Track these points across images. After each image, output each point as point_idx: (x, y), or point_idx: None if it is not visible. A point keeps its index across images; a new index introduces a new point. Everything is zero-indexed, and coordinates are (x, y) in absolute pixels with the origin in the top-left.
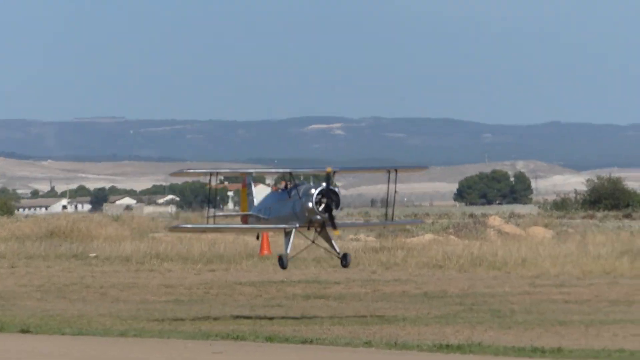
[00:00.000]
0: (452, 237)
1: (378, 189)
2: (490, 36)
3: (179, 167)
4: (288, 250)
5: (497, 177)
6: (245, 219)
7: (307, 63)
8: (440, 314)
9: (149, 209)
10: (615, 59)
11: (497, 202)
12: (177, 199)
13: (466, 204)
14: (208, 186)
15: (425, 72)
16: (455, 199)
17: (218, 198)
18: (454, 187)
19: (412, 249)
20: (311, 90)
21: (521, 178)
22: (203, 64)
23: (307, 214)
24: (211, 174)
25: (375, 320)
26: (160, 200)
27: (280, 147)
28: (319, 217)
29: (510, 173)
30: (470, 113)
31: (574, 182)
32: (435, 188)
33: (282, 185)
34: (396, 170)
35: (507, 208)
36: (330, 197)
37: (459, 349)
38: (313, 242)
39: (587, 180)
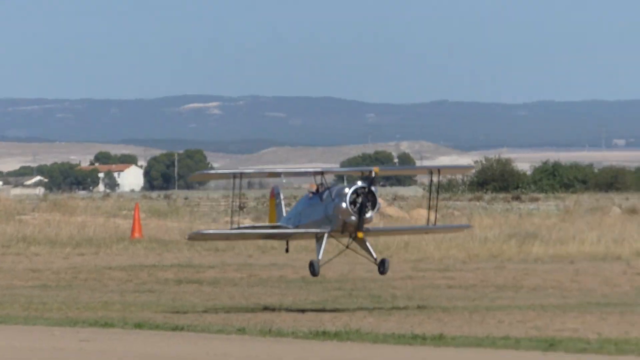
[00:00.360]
0: None
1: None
2: (373, 12)
3: (48, 147)
4: (320, 256)
5: (380, 159)
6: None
7: (183, 40)
8: (318, 300)
9: (15, 191)
10: (504, 36)
11: (381, 184)
12: (46, 180)
13: None
14: (233, 194)
15: (305, 50)
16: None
17: (89, 179)
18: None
19: None
20: (187, 68)
21: (406, 159)
22: (74, 41)
23: (340, 216)
24: (235, 176)
25: (252, 306)
26: (28, 182)
27: (154, 127)
28: (353, 218)
29: (395, 154)
30: (353, 92)
31: (461, 163)
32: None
33: (314, 188)
34: (439, 171)
35: (390, 190)
36: (367, 197)
37: (336, 336)
38: (347, 247)
39: (475, 162)
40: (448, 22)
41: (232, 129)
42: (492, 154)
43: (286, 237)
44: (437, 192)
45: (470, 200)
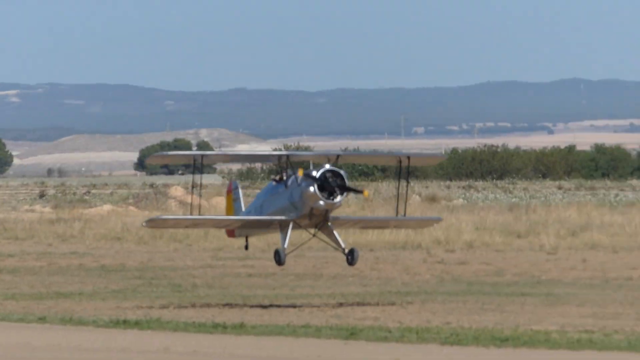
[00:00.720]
0: (131, 208)
1: (55, 158)
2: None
3: None
4: (285, 245)
5: (179, 146)
6: (231, 231)
7: None
8: (119, 289)
9: None
10: (300, 23)
11: (180, 172)
12: None
13: (147, 174)
14: (193, 177)
15: (103, 37)
16: (135, 169)
17: None
18: (134, 156)
19: (89, 221)
20: None
21: (205, 147)
22: None
23: (308, 202)
24: (195, 159)
25: (50, 294)
26: None
27: None
28: (322, 204)
29: (194, 142)
30: (151, 79)
31: (260, 151)
32: (114, 157)
33: (277, 177)
34: (409, 158)
35: (189, 178)
36: (336, 180)
37: (137, 324)
38: (314, 235)
39: (274, 149)
40: (245, 10)
41: (31, 117)
42: (291, 142)
43: (246, 227)
44: (407, 182)
45: None
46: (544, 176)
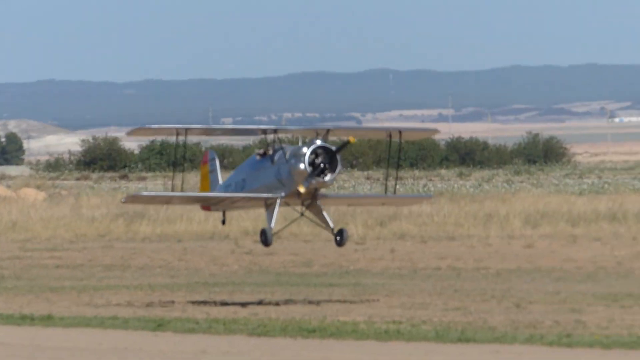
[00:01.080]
0: None
1: None
2: None
3: None
4: (272, 224)
5: None
6: (206, 205)
7: None
8: None
9: None
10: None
11: None
12: None
13: None
14: (176, 151)
15: None
16: None
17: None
18: None
19: None
20: None
21: (13, 138)
22: None
23: (297, 179)
24: (178, 132)
25: None
26: None
27: None
28: (313, 182)
29: (2, 133)
30: None
31: (69, 142)
32: None
33: (261, 151)
34: (400, 133)
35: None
36: (327, 157)
37: None
38: (302, 214)
39: (82, 140)
40: (53, 1)
41: None
42: (100, 133)
43: (229, 204)
44: (398, 158)
45: (77, 179)
46: (352, 166)
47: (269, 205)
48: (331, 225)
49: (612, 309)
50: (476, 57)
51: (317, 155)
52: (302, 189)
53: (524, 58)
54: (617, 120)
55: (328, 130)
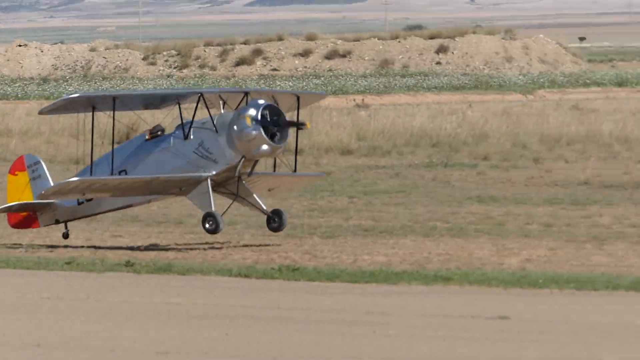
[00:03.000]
0: None
1: None
2: None
3: None
4: (213, 207)
5: None
6: (27, 219)
7: None
8: None
9: None
10: None
11: None
12: None
13: None
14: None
15: None
16: None
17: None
18: None
19: None
20: None
21: None
22: None
23: (249, 148)
24: (114, 99)
25: None
26: None
27: None
28: (265, 148)
29: None
30: None
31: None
32: None
33: (147, 134)
34: (298, 98)
35: None
36: (278, 118)
37: None
38: (237, 195)
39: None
40: None
41: None
42: None
43: (95, 207)
44: (298, 127)
45: None
46: None
47: (192, 189)
48: (264, 206)
49: None
50: None
51: (267, 117)
52: (263, 155)
53: None
54: None
55: (247, 93)
